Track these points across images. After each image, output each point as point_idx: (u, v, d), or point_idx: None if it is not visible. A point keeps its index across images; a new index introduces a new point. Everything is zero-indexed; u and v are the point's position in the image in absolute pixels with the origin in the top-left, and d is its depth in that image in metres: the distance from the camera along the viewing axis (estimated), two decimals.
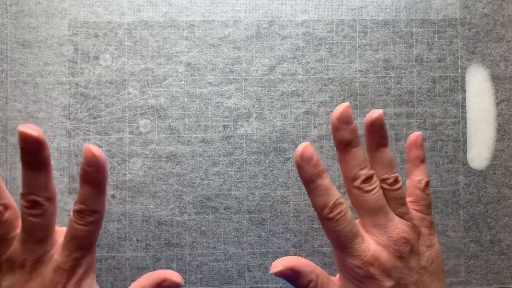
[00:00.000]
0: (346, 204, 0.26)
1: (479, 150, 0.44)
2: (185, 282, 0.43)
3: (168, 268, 0.42)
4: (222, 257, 0.43)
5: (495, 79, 0.44)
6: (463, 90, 0.44)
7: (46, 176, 0.24)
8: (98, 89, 0.43)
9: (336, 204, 0.25)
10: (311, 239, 0.43)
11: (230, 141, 0.43)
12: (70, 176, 0.42)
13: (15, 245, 0.24)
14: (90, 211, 0.25)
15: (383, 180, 0.27)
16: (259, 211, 0.43)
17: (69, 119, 0.43)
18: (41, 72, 0.43)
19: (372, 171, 0.26)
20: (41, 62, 0.43)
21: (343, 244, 0.25)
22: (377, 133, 0.26)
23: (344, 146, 0.26)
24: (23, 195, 0.24)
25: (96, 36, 0.43)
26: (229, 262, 0.43)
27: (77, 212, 0.25)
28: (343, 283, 0.26)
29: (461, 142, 0.44)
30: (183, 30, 0.43)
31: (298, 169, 0.25)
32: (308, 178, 0.25)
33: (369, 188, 0.26)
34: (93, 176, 0.24)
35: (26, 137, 0.23)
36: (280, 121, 0.43)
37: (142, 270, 0.42)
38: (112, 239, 0.42)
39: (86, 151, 0.23)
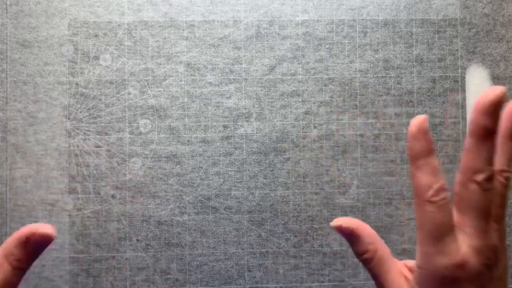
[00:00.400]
0: (448, 193, 0.24)
1: None
2: (185, 282, 0.43)
3: (168, 268, 0.42)
4: (222, 257, 0.43)
5: (495, 79, 0.44)
6: (463, 90, 0.44)
7: None
8: (98, 89, 0.43)
9: (442, 189, 0.23)
10: (311, 239, 0.43)
11: (230, 141, 0.43)
12: (70, 176, 0.42)
13: None
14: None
15: (500, 172, 0.24)
16: (259, 211, 0.43)
17: (69, 119, 0.43)
18: (41, 72, 0.43)
19: (492, 169, 0.24)
20: (41, 62, 0.43)
21: (435, 235, 0.23)
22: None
23: (484, 135, 0.23)
24: None
25: (96, 36, 0.43)
26: (229, 262, 0.43)
27: None
28: (418, 278, 0.24)
29: (461, 142, 0.44)
30: (183, 30, 0.43)
31: (411, 140, 0.23)
32: (420, 151, 0.23)
33: (489, 187, 0.24)
34: None
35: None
36: (280, 121, 0.43)
37: (142, 270, 0.42)
38: (112, 239, 0.42)
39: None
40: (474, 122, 0.24)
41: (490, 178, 0.23)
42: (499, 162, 0.24)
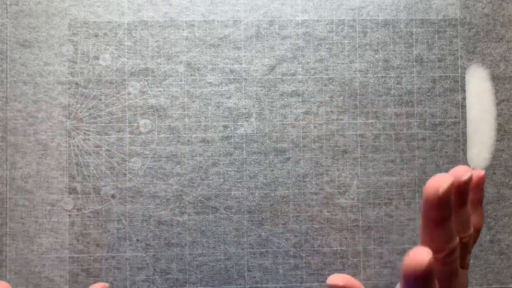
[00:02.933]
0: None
1: (479, 150, 0.44)
2: (185, 282, 0.43)
3: (168, 268, 0.42)
4: (222, 257, 0.43)
5: (495, 79, 0.44)
6: (463, 90, 0.44)
7: None
8: (98, 89, 0.43)
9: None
10: (311, 239, 0.43)
11: (230, 141, 0.43)
12: (70, 176, 0.42)
13: None
14: None
15: (461, 239, 0.24)
16: (259, 211, 0.43)
17: (69, 119, 0.43)
18: (41, 72, 0.43)
19: (457, 242, 0.23)
20: (41, 62, 0.43)
21: None
22: (467, 194, 0.23)
23: (436, 224, 0.22)
24: None
25: (96, 36, 0.43)
26: (229, 262, 0.43)
27: None
28: None
29: (461, 142, 0.44)
30: (183, 30, 0.43)
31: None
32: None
33: (451, 260, 0.23)
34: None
35: None
36: (280, 121, 0.43)
37: (142, 270, 0.42)
38: (112, 239, 0.42)
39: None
40: (424, 216, 0.22)
41: (451, 254, 0.23)
42: (458, 229, 0.24)
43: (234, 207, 0.43)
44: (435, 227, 0.22)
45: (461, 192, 0.23)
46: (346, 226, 0.43)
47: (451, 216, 0.22)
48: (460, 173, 0.22)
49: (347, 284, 0.25)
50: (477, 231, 0.26)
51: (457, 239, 0.23)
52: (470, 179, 0.22)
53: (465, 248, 0.25)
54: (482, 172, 0.26)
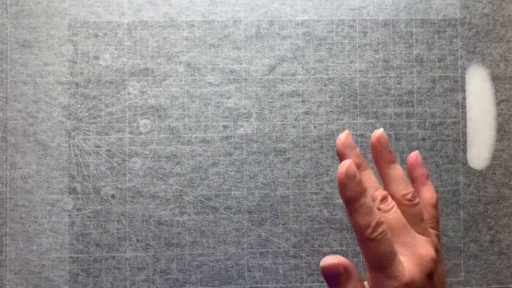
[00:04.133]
0: (386, 223, 0.25)
1: (479, 150, 0.44)
2: (185, 282, 0.43)
3: (168, 268, 0.42)
4: (222, 257, 0.43)
5: (495, 79, 0.44)
6: (463, 90, 0.44)
7: None
8: (98, 89, 0.43)
9: (378, 224, 0.25)
10: (311, 239, 0.43)
11: (230, 141, 0.43)
12: (70, 176, 0.42)
13: None
14: None
15: (402, 196, 0.27)
16: (259, 211, 0.43)
17: (69, 119, 0.43)
18: (41, 72, 0.43)
19: (386, 192, 0.27)
20: (41, 62, 0.43)
21: (382, 265, 0.25)
22: (385, 150, 0.28)
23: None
24: None
25: (96, 36, 0.43)
26: (229, 262, 0.43)
27: None
28: None
29: (461, 142, 0.44)
30: (183, 30, 0.43)
31: (341, 187, 0.25)
32: (352, 196, 0.25)
33: (388, 207, 0.26)
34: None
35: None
36: (280, 121, 0.43)
37: (142, 270, 0.42)
38: (112, 239, 0.42)
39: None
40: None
41: (383, 201, 0.26)
42: (394, 189, 0.27)
43: (234, 207, 0.43)
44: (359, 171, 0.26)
45: (378, 148, 0.28)
46: (346, 226, 0.43)
47: (364, 166, 0.27)
48: (374, 132, 0.28)
49: (341, 262, 0.25)
50: (434, 206, 0.29)
51: (386, 192, 0.27)
52: (381, 135, 0.28)
53: (412, 208, 0.27)
54: (415, 152, 0.30)
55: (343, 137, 0.27)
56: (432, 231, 0.28)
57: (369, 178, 0.27)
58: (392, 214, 0.26)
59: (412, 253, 0.26)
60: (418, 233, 0.27)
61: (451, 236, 0.44)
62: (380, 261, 0.25)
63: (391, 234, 0.26)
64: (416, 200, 0.27)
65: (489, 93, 0.44)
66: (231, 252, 0.43)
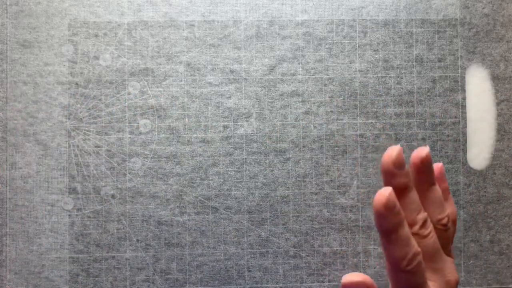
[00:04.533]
0: (421, 254, 0.24)
1: (479, 150, 0.44)
2: (185, 282, 0.43)
3: (168, 268, 0.42)
4: (222, 257, 0.43)
5: (495, 79, 0.44)
6: (463, 90, 0.44)
7: None
8: (98, 89, 0.43)
9: (415, 255, 0.23)
10: (311, 239, 0.43)
11: (230, 141, 0.43)
12: (70, 176, 0.42)
13: None
14: None
15: (438, 221, 0.26)
16: (259, 211, 0.43)
17: (69, 119, 0.43)
18: (41, 72, 0.43)
19: (426, 214, 0.25)
20: (41, 62, 0.43)
21: None
22: (428, 171, 0.25)
23: (401, 191, 0.24)
24: None
25: (96, 36, 0.43)
26: (229, 262, 0.43)
27: None
28: None
29: (461, 142, 0.44)
30: (183, 30, 0.43)
31: (378, 218, 0.23)
32: (390, 228, 0.23)
33: (427, 232, 0.25)
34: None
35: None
36: (280, 121, 0.43)
37: (142, 270, 0.42)
38: (112, 239, 0.42)
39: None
40: (388, 184, 0.24)
41: (424, 225, 0.24)
42: (431, 213, 0.26)
43: (234, 207, 0.43)
44: (399, 196, 0.24)
45: (420, 169, 0.25)
46: (346, 226, 0.43)
47: (411, 187, 0.24)
48: (418, 151, 0.25)
49: (365, 280, 0.25)
50: (453, 222, 0.27)
51: (426, 214, 0.25)
52: (427, 156, 0.25)
53: (445, 232, 0.26)
54: (439, 164, 0.28)
55: (395, 154, 0.23)
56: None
57: (414, 200, 0.24)
58: (429, 239, 0.25)
59: (440, 278, 0.25)
60: (446, 255, 0.26)
61: None
62: None
63: (424, 260, 0.25)
64: (449, 224, 0.26)
65: (489, 93, 0.44)
66: (231, 252, 0.43)
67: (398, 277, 0.24)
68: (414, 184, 0.26)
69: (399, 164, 0.23)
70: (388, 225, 0.23)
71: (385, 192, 0.23)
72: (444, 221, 0.26)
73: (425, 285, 0.24)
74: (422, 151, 0.25)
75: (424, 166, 0.25)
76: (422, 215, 0.25)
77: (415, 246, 0.23)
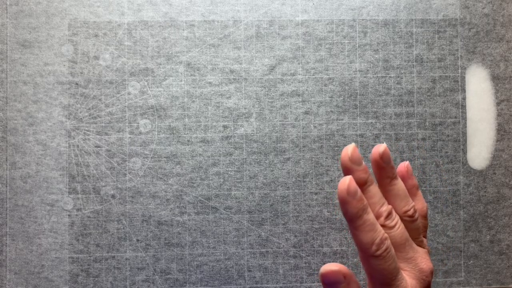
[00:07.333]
0: (389, 239, 0.25)
1: (479, 150, 0.44)
2: (185, 282, 0.43)
3: (168, 268, 0.42)
4: (222, 257, 0.43)
5: (495, 79, 0.44)
6: (463, 90, 0.44)
7: None
8: (98, 89, 0.43)
9: (382, 240, 0.24)
10: (311, 239, 0.43)
11: (230, 141, 0.43)
12: (70, 176, 0.42)
13: None
14: None
15: (404, 212, 0.27)
16: (259, 211, 0.43)
17: (69, 119, 0.43)
18: (41, 72, 0.43)
19: (390, 206, 0.26)
20: (41, 62, 0.43)
21: (386, 281, 0.25)
22: (387, 166, 0.27)
23: (361, 186, 0.25)
24: None
25: (96, 36, 0.43)
26: (229, 262, 0.43)
27: None
28: None
29: (461, 142, 0.44)
30: (183, 30, 0.43)
31: (343, 204, 0.24)
32: (354, 213, 0.24)
33: (393, 223, 0.26)
34: None
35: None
36: (280, 121, 0.43)
37: (142, 270, 0.42)
38: (112, 239, 0.42)
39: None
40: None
41: (388, 217, 0.26)
42: (396, 206, 0.27)
43: (234, 207, 0.43)
44: (361, 189, 0.25)
45: (380, 164, 0.27)
46: (346, 226, 0.43)
47: (371, 181, 0.26)
48: (376, 148, 0.27)
49: (342, 269, 0.25)
50: (424, 217, 0.29)
51: (391, 207, 0.26)
52: (385, 151, 0.26)
53: (412, 223, 0.27)
54: (406, 163, 0.29)
55: (350, 151, 0.25)
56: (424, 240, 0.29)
57: (375, 194, 0.26)
58: (396, 230, 0.26)
59: (413, 268, 0.26)
60: (418, 245, 0.27)
61: (451, 236, 0.44)
62: (384, 277, 0.25)
63: (394, 250, 0.25)
64: (416, 215, 0.27)
65: (489, 93, 0.44)
66: (231, 252, 0.43)
67: (370, 263, 0.25)
68: (377, 180, 0.27)
69: (355, 160, 0.25)
70: (352, 210, 0.24)
71: (346, 180, 0.24)
72: (410, 212, 0.27)
73: (397, 271, 0.25)
74: (380, 147, 0.27)
75: (384, 161, 0.26)
76: (386, 207, 0.26)
77: (382, 231, 0.25)
